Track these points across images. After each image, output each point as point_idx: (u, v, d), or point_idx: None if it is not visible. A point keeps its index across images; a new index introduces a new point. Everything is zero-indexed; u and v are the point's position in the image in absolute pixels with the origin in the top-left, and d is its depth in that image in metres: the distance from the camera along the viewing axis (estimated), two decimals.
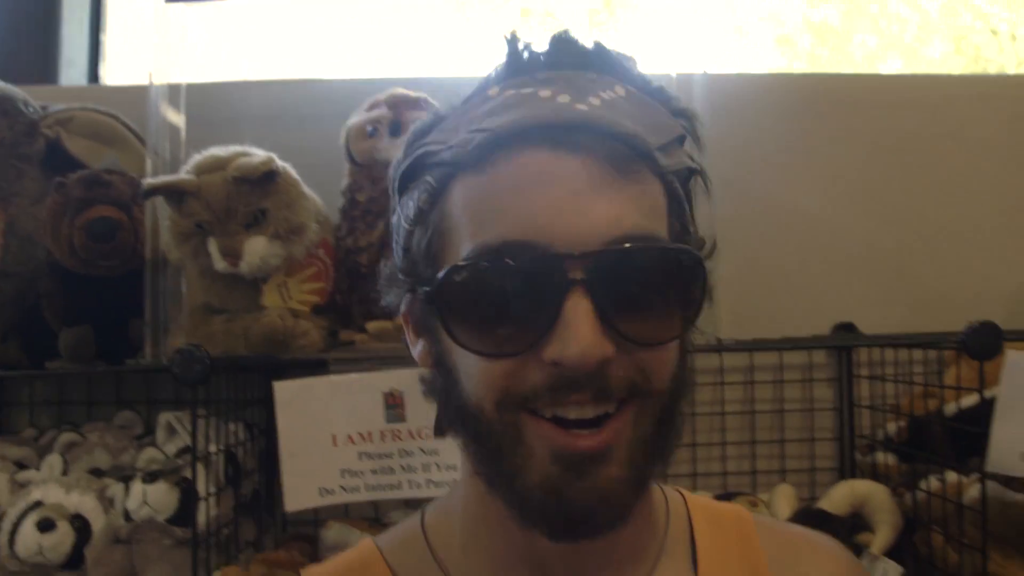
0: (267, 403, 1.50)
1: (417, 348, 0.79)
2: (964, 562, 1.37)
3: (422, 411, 1.26)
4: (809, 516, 1.50)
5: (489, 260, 0.67)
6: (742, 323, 1.50)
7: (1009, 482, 1.38)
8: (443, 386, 0.74)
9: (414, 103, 1.46)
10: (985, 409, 1.32)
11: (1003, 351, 1.30)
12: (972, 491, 1.36)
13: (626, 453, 0.68)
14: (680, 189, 0.74)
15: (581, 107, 0.69)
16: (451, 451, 1.26)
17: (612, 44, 0.76)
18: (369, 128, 1.44)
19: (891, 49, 2.30)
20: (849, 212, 1.81)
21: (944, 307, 1.71)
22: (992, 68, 2.34)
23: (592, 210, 0.67)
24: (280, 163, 1.37)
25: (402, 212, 0.76)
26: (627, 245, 0.67)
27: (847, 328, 1.71)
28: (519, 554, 0.76)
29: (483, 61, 0.79)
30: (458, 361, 0.71)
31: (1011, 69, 2.34)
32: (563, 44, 0.75)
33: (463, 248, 0.69)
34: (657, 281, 0.69)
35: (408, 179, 0.76)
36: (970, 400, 1.41)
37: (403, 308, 0.79)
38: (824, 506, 1.51)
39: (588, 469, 0.67)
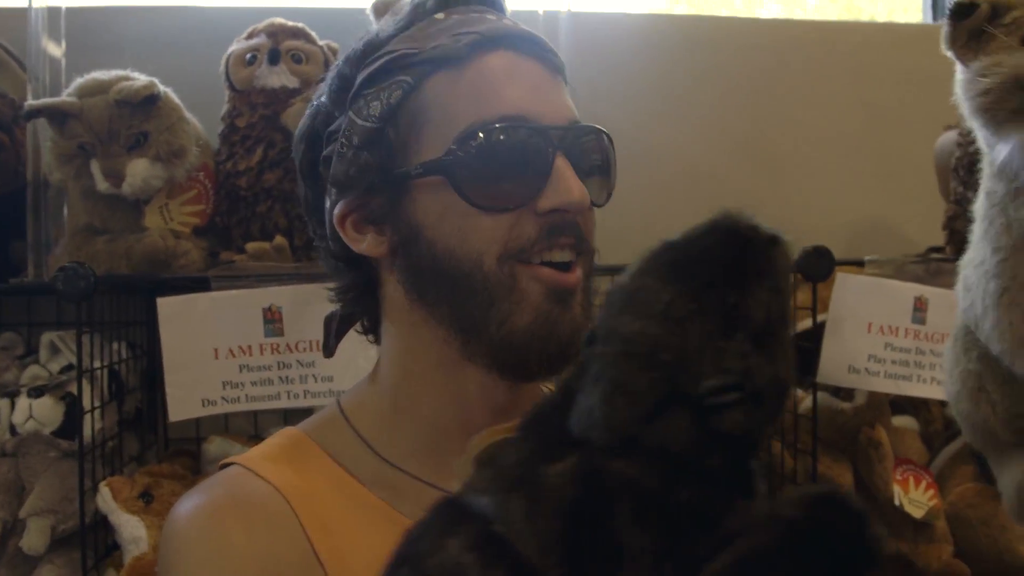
0: (149, 324, 1.55)
1: (363, 243, 0.90)
2: (798, 466, 1.51)
3: (299, 326, 1.34)
4: None
5: (494, 129, 0.83)
6: (604, 253, 1.60)
7: (837, 392, 1.52)
8: (414, 263, 0.87)
9: (292, 32, 1.51)
10: (821, 329, 1.45)
11: (834, 274, 1.43)
12: (807, 402, 1.50)
13: (582, 295, 0.86)
14: None
15: (524, 27, 0.90)
16: (326, 364, 1.34)
17: None
18: (248, 56, 1.49)
19: None
20: (706, 148, 1.93)
21: (796, 239, 1.84)
22: (864, 16, 2.47)
23: (555, 98, 0.88)
24: (161, 87, 1.41)
25: (358, 116, 0.87)
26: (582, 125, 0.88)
27: None
28: (455, 416, 0.88)
29: None
30: (447, 228, 0.84)
31: (881, 18, 2.48)
32: None
33: (452, 128, 0.84)
34: (601, 155, 0.90)
35: (367, 86, 0.87)
36: (810, 322, 1.54)
37: (339, 211, 0.90)
38: None
39: (569, 302, 0.84)
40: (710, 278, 0.47)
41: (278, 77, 1.47)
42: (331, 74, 0.93)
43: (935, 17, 2.24)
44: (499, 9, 0.93)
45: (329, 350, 1.00)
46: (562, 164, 0.84)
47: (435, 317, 0.87)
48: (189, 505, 0.88)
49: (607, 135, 0.91)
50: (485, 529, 0.47)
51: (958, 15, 0.77)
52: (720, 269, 0.47)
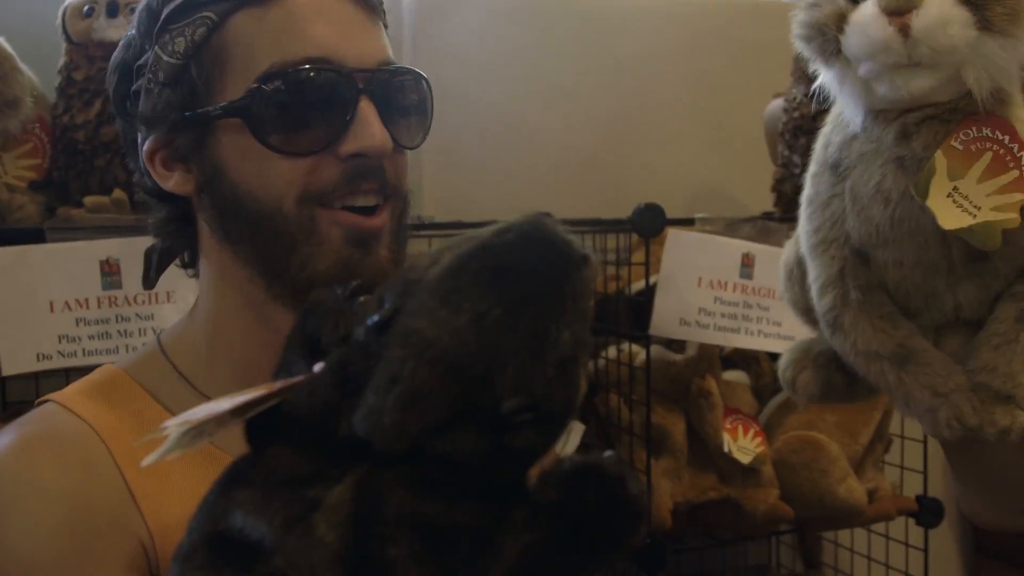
0: None
1: (171, 181, 0.90)
2: (634, 417, 1.57)
3: (137, 279, 1.32)
4: None
5: (296, 72, 0.83)
6: (449, 210, 1.64)
7: (670, 345, 1.59)
8: (217, 203, 0.87)
9: None
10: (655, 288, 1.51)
11: (666, 231, 1.49)
12: (642, 356, 1.56)
13: (389, 238, 0.86)
14: None
15: None
16: (165, 316, 1.33)
17: None
18: (86, 8, 1.45)
19: None
20: (546, 110, 1.97)
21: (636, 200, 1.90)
22: None
23: (366, 40, 0.87)
24: None
25: (163, 52, 0.86)
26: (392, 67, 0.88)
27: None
28: (265, 354, 0.84)
29: None
30: (247, 170, 0.84)
31: None
32: None
33: (254, 68, 0.83)
34: (412, 97, 0.90)
35: (172, 21, 0.86)
36: (650, 280, 1.60)
37: (147, 147, 0.89)
38: None
39: (372, 247, 0.85)
40: (527, 294, 0.46)
41: (116, 30, 1.44)
42: (140, 6, 0.91)
43: None
44: None
45: (150, 282, 1.00)
46: (366, 108, 0.84)
47: (240, 257, 0.88)
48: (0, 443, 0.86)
49: (423, 77, 0.91)
50: (265, 570, 0.45)
51: None
52: (537, 287, 0.46)
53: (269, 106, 0.83)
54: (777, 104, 1.79)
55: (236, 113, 0.84)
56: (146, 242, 1.29)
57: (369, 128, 0.83)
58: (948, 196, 0.77)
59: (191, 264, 0.98)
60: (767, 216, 1.66)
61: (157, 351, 0.95)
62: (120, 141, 0.98)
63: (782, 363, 0.97)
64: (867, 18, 0.75)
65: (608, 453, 0.47)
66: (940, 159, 0.77)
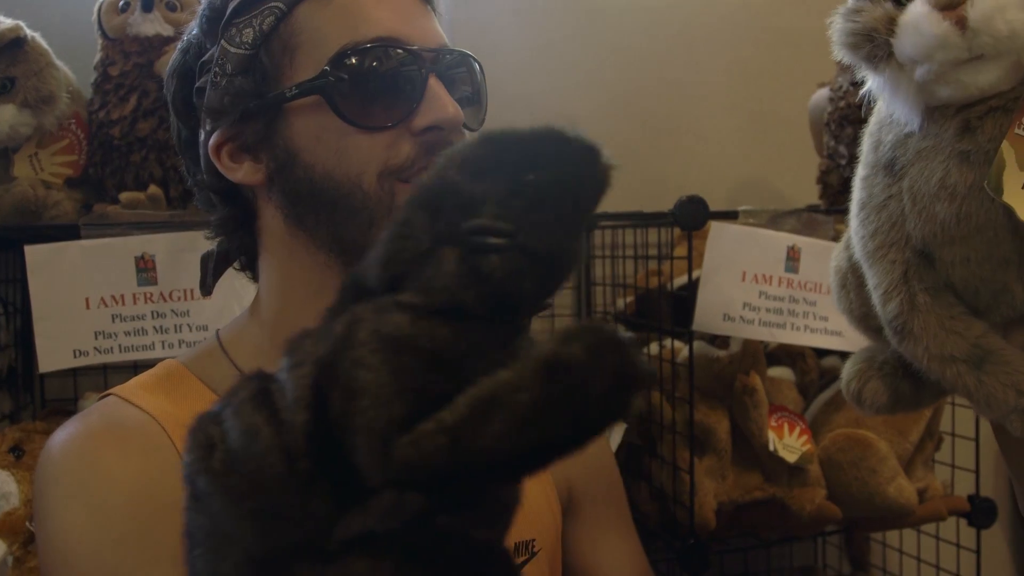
0: (21, 282, 1.51)
1: (239, 172, 0.91)
2: (676, 415, 1.54)
3: (174, 274, 1.31)
4: None
5: (368, 50, 0.86)
6: None
7: (713, 340, 1.55)
8: (291, 188, 0.89)
9: None
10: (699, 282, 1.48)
11: (709, 225, 1.46)
12: (684, 352, 1.52)
13: None
14: None
15: None
16: (200, 312, 1.32)
17: None
18: (121, 3, 1.45)
19: None
20: (587, 103, 1.95)
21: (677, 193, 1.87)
22: None
23: (425, 23, 0.91)
24: (28, 31, 1.37)
25: (231, 44, 0.89)
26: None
27: None
28: None
29: None
30: (323, 151, 0.86)
31: None
32: None
33: (325, 51, 0.86)
34: (471, 81, 0.94)
35: (239, 14, 0.89)
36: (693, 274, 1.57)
37: (214, 140, 0.91)
38: None
39: None
40: (511, 142, 0.48)
41: (152, 25, 1.44)
42: (201, 7, 0.93)
43: None
44: None
45: (207, 288, 1.01)
46: (435, 84, 0.87)
47: (315, 242, 0.89)
48: (63, 435, 0.89)
49: (477, 62, 0.94)
50: (263, 385, 0.49)
51: None
52: (528, 145, 0.48)
53: (345, 83, 0.85)
54: (822, 94, 1.75)
55: (312, 91, 0.86)
56: (182, 238, 1.30)
57: (441, 101, 0.87)
58: None
59: (249, 266, 0.99)
60: (812, 208, 1.62)
61: (216, 347, 0.96)
62: (176, 147, 0.99)
63: (845, 375, 0.94)
64: (919, 17, 0.72)
65: (625, 331, 0.45)
66: (1008, 150, 0.73)
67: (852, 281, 0.90)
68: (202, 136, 0.93)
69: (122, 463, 0.85)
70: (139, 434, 0.87)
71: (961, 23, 0.69)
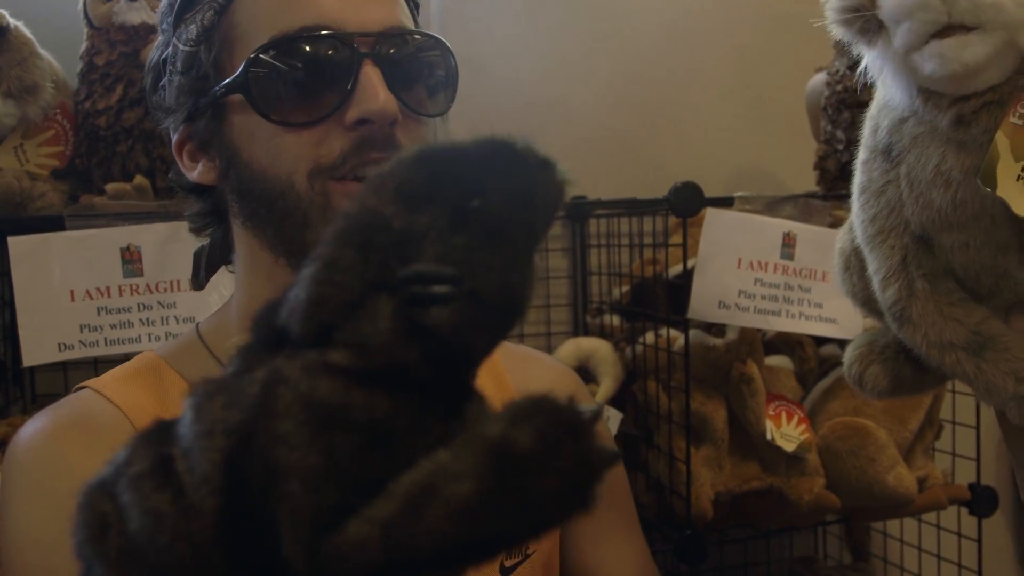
0: (7, 275, 1.49)
1: (196, 171, 0.90)
2: (673, 405, 1.52)
3: (160, 265, 1.30)
4: None
5: (290, 40, 0.81)
6: None
7: (709, 329, 1.53)
8: (237, 187, 0.86)
9: None
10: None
11: (704, 211, 1.44)
12: (680, 341, 1.50)
13: None
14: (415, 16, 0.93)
15: None
16: (187, 303, 1.30)
17: None
18: None
19: None
20: (579, 88, 1.92)
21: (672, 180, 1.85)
22: None
23: (371, 5, 0.83)
24: (11, 20, 1.35)
25: (179, 41, 0.86)
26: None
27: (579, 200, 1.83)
28: None
29: None
30: (258, 149, 0.83)
31: None
32: None
33: (255, 44, 0.82)
34: (428, 62, 0.87)
35: (186, 9, 0.86)
36: (689, 262, 1.55)
37: (175, 140, 0.90)
38: None
39: None
40: (455, 170, 0.42)
41: (137, 13, 1.42)
42: (162, 3, 0.92)
43: None
44: None
45: (199, 283, 0.99)
46: (370, 72, 0.81)
47: (265, 240, 0.87)
48: (30, 428, 0.87)
49: (441, 41, 0.88)
50: (164, 452, 0.42)
51: None
52: (470, 166, 0.42)
53: (266, 79, 0.81)
54: (819, 78, 1.73)
55: (236, 89, 0.82)
56: (167, 228, 1.28)
57: (371, 91, 0.80)
58: (1018, 179, 0.71)
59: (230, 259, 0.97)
60: (810, 195, 1.60)
61: (195, 339, 0.95)
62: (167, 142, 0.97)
63: (847, 359, 0.92)
64: None
65: (585, 407, 0.40)
66: (1002, 140, 0.71)
67: (855, 264, 0.89)
68: (171, 134, 0.92)
69: (87, 459, 0.82)
70: (108, 429, 0.84)
71: None
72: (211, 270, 0.99)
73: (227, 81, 0.83)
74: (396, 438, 0.40)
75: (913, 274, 0.79)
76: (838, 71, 1.62)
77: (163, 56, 0.90)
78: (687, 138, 1.98)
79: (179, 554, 0.39)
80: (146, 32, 1.42)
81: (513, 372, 1.03)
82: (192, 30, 0.85)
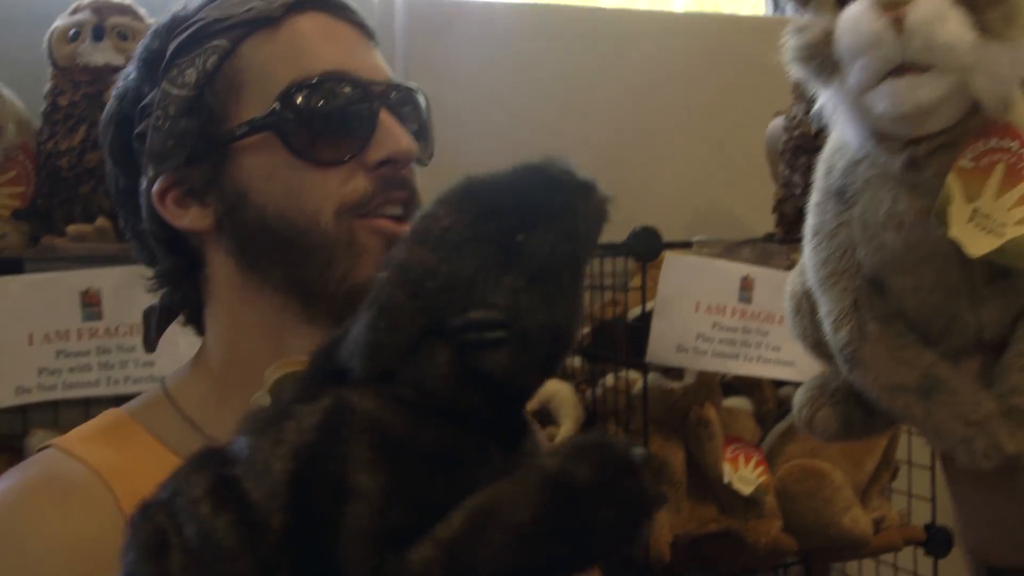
0: None
1: (186, 218, 0.88)
2: None
3: (120, 309, 1.30)
4: None
5: (317, 84, 0.84)
6: None
7: (668, 372, 1.55)
8: (242, 230, 0.86)
9: (118, 8, 1.46)
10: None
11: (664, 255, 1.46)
12: (640, 384, 1.52)
13: None
14: None
15: None
16: None
17: None
18: (72, 32, 1.43)
19: None
20: (544, 132, 1.93)
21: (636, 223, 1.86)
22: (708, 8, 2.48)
23: (372, 58, 0.90)
24: None
25: (173, 86, 0.86)
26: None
27: None
28: None
29: None
30: (275, 190, 0.84)
31: (727, 10, 2.50)
32: None
33: (272, 88, 0.84)
34: (419, 115, 0.92)
35: (180, 55, 0.87)
36: (650, 304, 1.56)
37: (158, 187, 0.87)
38: None
39: None
40: (496, 207, 0.44)
41: (103, 54, 1.42)
42: (138, 51, 0.91)
43: (776, 10, 2.30)
44: None
45: (150, 344, 0.97)
46: (387, 117, 0.86)
47: (270, 284, 0.86)
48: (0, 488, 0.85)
49: (424, 95, 0.93)
50: (224, 472, 0.44)
51: None
52: (511, 200, 0.44)
53: (296, 119, 0.84)
54: (778, 123, 1.75)
55: (263, 128, 0.84)
56: (128, 272, 1.28)
57: (394, 134, 0.85)
58: (970, 220, 0.72)
59: (194, 319, 0.96)
60: (768, 238, 1.62)
61: (162, 396, 0.92)
62: (114, 197, 0.96)
63: (797, 402, 0.93)
64: (857, 13, 0.70)
65: (637, 448, 0.42)
66: (954, 182, 0.72)
67: (806, 307, 0.90)
68: (143, 184, 0.89)
69: (61, 520, 0.81)
70: (79, 488, 0.83)
71: (898, 23, 0.68)
72: (163, 329, 0.98)
73: (251, 120, 0.84)
74: (459, 466, 0.42)
75: (865, 316, 0.80)
76: (796, 116, 1.65)
77: (142, 103, 0.89)
78: (650, 181, 2.00)
79: (244, 571, 0.41)
80: (110, 73, 1.42)
81: None
82: (191, 74, 0.86)
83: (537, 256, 0.43)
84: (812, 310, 0.87)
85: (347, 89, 0.85)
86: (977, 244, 0.72)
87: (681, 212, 2.01)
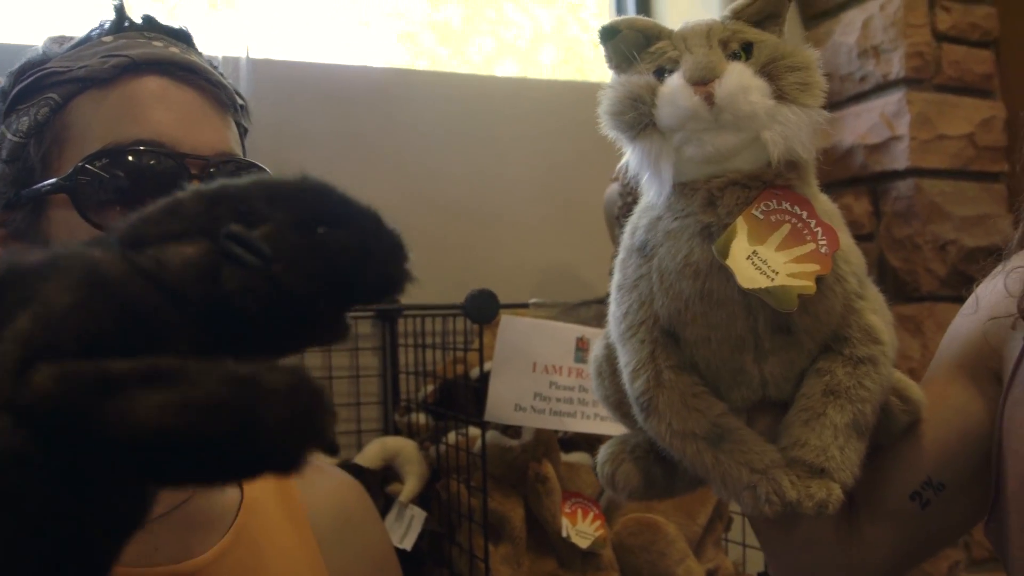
0: None
1: None
2: (474, 503, 1.55)
3: None
4: (345, 470, 1.63)
5: (124, 151, 0.84)
6: None
7: (506, 430, 1.58)
8: None
9: None
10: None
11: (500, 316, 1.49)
12: (479, 441, 1.55)
13: None
14: (243, 142, 0.98)
15: (191, 57, 0.91)
16: None
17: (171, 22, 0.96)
18: None
19: (507, 54, 2.44)
20: (390, 192, 1.97)
21: (479, 284, 1.90)
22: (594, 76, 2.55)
23: (204, 129, 0.89)
24: None
25: (8, 130, 0.88)
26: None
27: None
28: None
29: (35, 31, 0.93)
30: None
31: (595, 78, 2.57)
32: (154, 19, 0.95)
33: (87, 149, 0.84)
34: None
35: (20, 101, 0.89)
36: (488, 364, 1.60)
37: None
38: (359, 461, 1.65)
39: None
40: (331, 199, 0.46)
41: None
42: None
43: None
44: (180, 39, 0.95)
45: None
46: None
47: None
48: None
49: (264, 169, 0.92)
50: None
51: (604, 37, 0.86)
52: (346, 207, 0.46)
53: (94, 184, 0.84)
54: (614, 188, 1.82)
55: (61, 189, 0.84)
56: None
57: None
58: (748, 259, 0.79)
59: None
60: (604, 300, 1.67)
61: None
62: None
63: (600, 460, 0.96)
64: (675, 89, 0.79)
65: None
66: (741, 223, 0.80)
67: (607, 369, 0.94)
68: None
69: None
70: None
71: (709, 99, 0.77)
72: None
73: (54, 180, 0.85)
74: (153, 329, 0.41)
75: (661, 366, 0.84)
76: (629, 183, 1.71)
77: None
78: (495, 240, 2.05)
79: None
80: None
81: (301, 482, 1.04)
82: (24, 122, 0.87)
83: (330, 246, 0.44)
84: (612, 372, 0.92)
85: (154, 159, 0.85)
86: (749, 278, 0.78)
87: (527, 273, 2.06)
